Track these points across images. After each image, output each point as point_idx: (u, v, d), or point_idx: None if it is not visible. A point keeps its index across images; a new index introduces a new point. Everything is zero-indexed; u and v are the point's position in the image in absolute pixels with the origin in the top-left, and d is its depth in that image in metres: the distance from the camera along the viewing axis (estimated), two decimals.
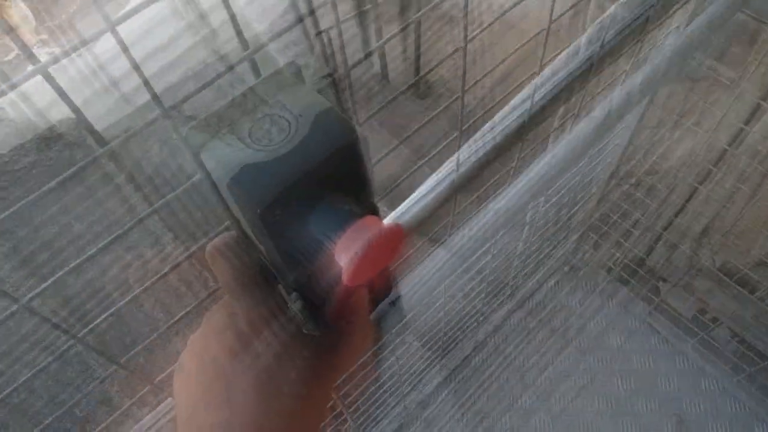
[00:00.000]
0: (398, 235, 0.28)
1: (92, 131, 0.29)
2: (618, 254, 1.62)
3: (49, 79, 0.24)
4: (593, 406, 1.56)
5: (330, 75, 0.33)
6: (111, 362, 0.38)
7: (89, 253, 0.31)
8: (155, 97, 0.25)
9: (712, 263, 1.49)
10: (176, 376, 0.38)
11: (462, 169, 0.53)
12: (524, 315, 1.71)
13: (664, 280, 1.64)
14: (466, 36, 0.42)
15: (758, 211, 1.25)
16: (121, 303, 0.34)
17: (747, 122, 1.11)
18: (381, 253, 0.28)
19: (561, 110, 0.69)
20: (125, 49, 0.24)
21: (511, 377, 1.63)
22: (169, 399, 0.52)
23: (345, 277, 0.29)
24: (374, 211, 0.33)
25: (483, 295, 1.30)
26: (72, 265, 0.31)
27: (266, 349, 0.34)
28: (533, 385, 1.61)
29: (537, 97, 0.59)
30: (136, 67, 0.24)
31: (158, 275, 0.34)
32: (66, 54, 0.24)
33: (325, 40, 0.33)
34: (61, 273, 0.30)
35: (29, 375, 0.35)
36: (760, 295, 1.42)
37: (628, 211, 1.47)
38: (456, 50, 0.44)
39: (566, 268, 1.76)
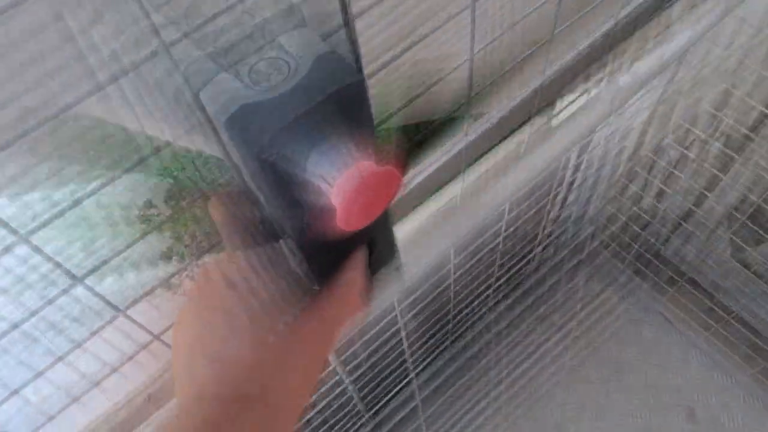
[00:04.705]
0: (393, 178, 0.28)
1: None
2: (633, 244, 1.60)
3: None
4: (604, 396, 1.55)
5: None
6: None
7: None
8: (155, 29, 0.25)
9: (727, 254, 1.47)
10: (174, 330, 0.38)
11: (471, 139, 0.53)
12: (535, 303, 1.70)
13: (680, 271, 1.62)
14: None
15: None
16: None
17: None
18: (375, 196, 0.28)
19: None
20: None
21: (524, 368, 1.62)
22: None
23: (339, 220, 0.29)
24: (375, 155, 0.33)
25: (493, 279, 1.29)
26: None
27: (262, 296, 0.34)
28: (543, 375, 1.60)
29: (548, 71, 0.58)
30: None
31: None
32: None
33: None
34: None
35: None
36: None
37: (645, 198, 1.45)
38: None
39: (579, 257, 1.75)
